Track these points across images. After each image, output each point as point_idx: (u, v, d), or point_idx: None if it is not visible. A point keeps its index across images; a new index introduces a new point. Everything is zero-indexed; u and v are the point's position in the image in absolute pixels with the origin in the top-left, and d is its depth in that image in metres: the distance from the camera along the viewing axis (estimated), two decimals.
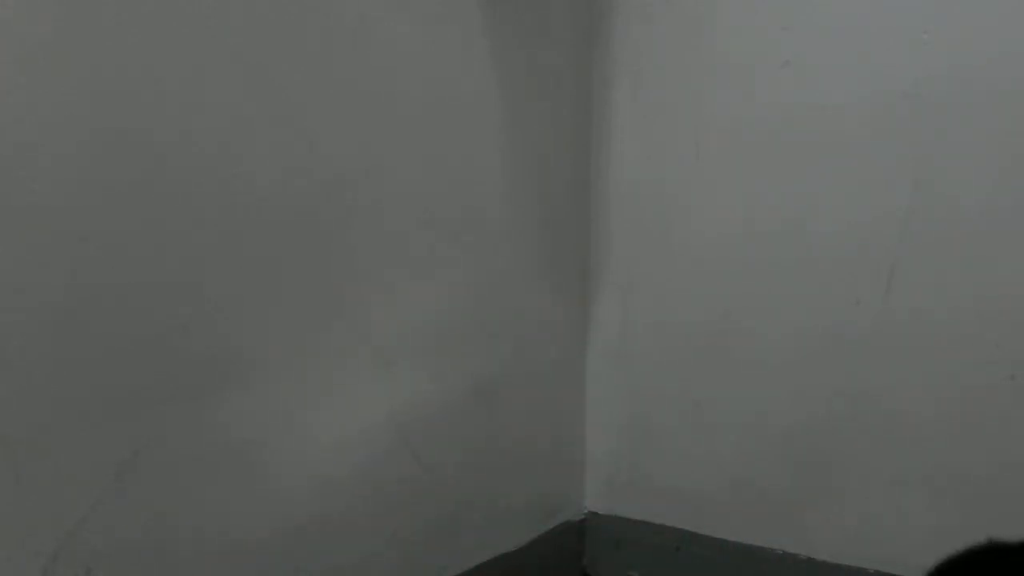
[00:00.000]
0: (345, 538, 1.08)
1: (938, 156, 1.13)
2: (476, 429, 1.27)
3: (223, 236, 0.92)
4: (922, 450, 1.17)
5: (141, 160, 0.85)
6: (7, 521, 0.76)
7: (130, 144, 0.84)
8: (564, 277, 1.42)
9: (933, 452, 1.16)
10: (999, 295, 1.11)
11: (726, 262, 1.31)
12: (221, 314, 0.92)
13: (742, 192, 1.29)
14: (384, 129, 1.09)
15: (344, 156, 1.05)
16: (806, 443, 1.26)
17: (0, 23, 0.74)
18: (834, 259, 1.22)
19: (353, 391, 1.08)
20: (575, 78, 1.41)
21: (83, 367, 0.81)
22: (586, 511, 1.49)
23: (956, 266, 1.13)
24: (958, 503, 1.15)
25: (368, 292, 1.09)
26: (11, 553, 0.77)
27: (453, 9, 1.18)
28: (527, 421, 1.36)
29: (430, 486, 1.19)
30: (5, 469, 0.76)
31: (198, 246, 0.90)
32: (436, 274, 1.19)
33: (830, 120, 1.21)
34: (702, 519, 1.36)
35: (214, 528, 0.93)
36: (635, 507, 1.44)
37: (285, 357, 0.99)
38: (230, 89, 0.92)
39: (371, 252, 1.09)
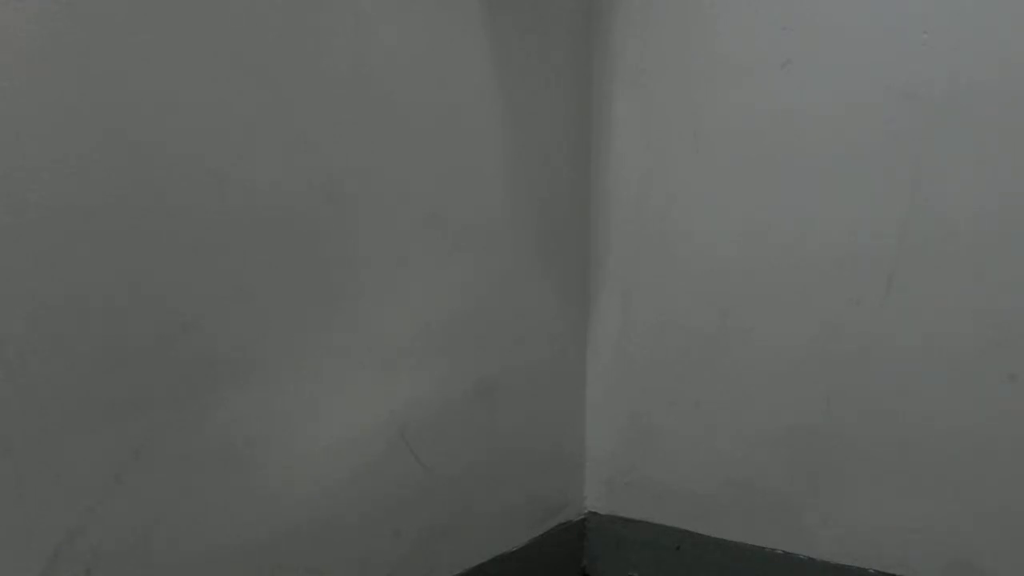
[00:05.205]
0: (346, 538, 1.08)
1: (938, 155, 1.13)
2: (476, 429, 1.27)
3: (223, 237, 0.92)
4: (922, 450, 1.17)
5: (141, 161, 0.85)
6: (7, 521, 0.76)
7: (130, 145, 0.84)
8: (564, 277, 1.42)
9: (933, 452, 1.16)
10: (1000, 295, 1.10)
11: (726, 262, 1.31)
12: (221, 315, 0.92)
13: (742, 192, 1.29)
14: (384, 129, 1.09)
15: (344, 156, 1.05)
16: (806, 443, 1.26)
17: (3, 29, 0.74)
18: (834, 258, 1.22)
19: (353, 391, 1.08)
20: (575, 78, 1.41)
21: (83, 368, 0.81)
22: (586, 511, 1.49)
23: (957, 266, 1.13)
24: (958, 502, 1.15)
25: (368, 292, 1.09)
26: (11, 553, 0.77)
27: (453, 9, 1.18)
28: (527, 421, 1.36)
29: (430, 486, 1.19)
30: (6, 469, 0.76)
31: (197, 247, 0.90)
32: (436, 274, 1.19)
33: (830, 120, 1.21)
34: (702, 519, 1.36)
35: (214, 528, 0.93)
36: (635, 507, 1.44)
37: (285, 357, 0.99)
38: (230, 89, 0.92)
39: (371, 252, 1.09)
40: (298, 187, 0.99)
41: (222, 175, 0.92)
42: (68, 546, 0.80)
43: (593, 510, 1.49)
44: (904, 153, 1.16)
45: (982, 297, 1.12)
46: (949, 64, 1.12)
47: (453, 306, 1.21)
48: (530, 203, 1.34)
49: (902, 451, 1.18)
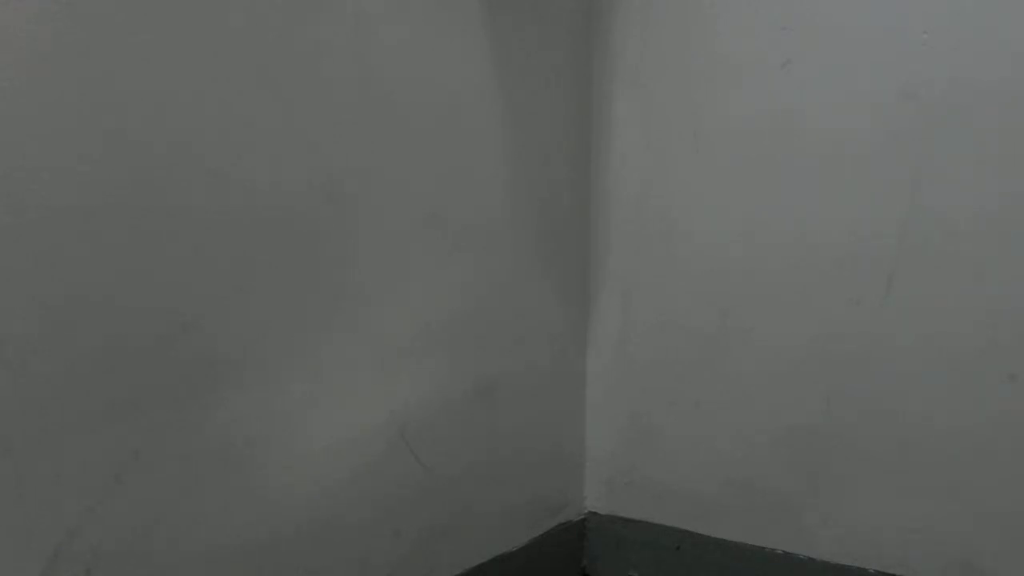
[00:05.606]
0: (345, 538, 1.08)
1: (938, 155, 1.13)
2: (476, 429, 1.27)
3: (223, 237, 0.92)
4: (922, 450, 1.17)
5: (141, 162, 0.85)
6: (7, 521, 0.76)
7: (130, 146, 0.84)
8: (564, 277, 1.42)
9: (933, 452, 1.16)
10: (1000, 295, 1.10)
11: (726, 262, 1.31)
12: (221, 315, 0.92)
13: (742, 192, 1.29)
14: (384, 130, 1.09)
15: (344, 156, 1.05)
16: (806, 443, 1.26)
17: (3, 29, 0.74)
18: (834, 258, 1.22)
19: (353, 391, 1.08)
20: (575, 78, 1.41)
21: (83, 368, 0.81)
22: (586, 511, 1.49)
23: (957, 266, 1.13)
24: (958, 502, 1.14)
25: (368, 292, 1.09)
26: (11, 553, 0.77)
27: (453, 10, 1.18)
28: (527, 421, 1.36)
29: (430, 486, 1.19)
30: (6, 469, 0.76)
31: (197, 247, 0.90)
32: (436, 274, 1.19)
33: (830, 120, 1.21)
34: (702, 519, 1.36)
35: (214, 529, 0.93)
36: (635, 507, 1.44)
37: (285, 358, 0.99)
38: (230, 90, 0.92)
39: (371, 253, 1.09)
40: (298, 187, 0.99)
41: (222, 175, 0.92)
42: (68, 546, 0.80)
43: (593, 510, 1.49)
44: (904, 153, 1.16)
45: (982, 297, 1.12)
46: (949, 64, 1.12)
47: (453, 306, 1.21)
48: (530, 203, 1.34)
49: (902, 451, 1.18)
